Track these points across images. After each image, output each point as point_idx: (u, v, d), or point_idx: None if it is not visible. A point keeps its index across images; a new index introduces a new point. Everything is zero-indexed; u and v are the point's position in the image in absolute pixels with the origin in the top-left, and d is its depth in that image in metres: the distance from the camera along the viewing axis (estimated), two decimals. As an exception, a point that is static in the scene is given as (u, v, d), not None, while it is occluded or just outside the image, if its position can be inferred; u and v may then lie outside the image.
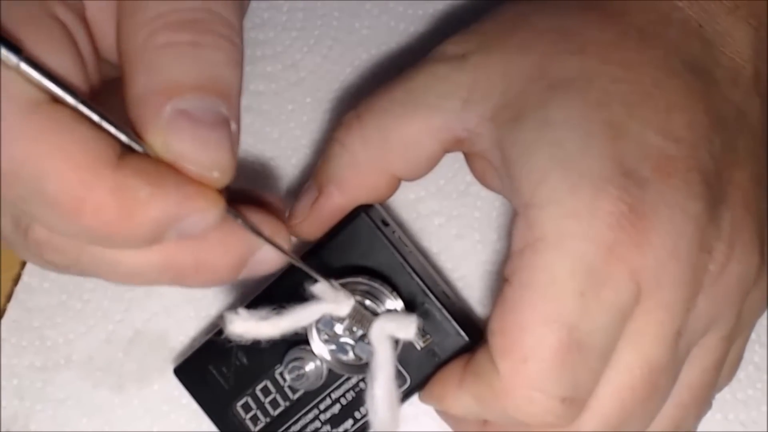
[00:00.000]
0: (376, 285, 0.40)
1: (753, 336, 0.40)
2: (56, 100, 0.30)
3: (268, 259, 0.35)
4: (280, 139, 0.48)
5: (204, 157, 0.31)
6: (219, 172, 0.31)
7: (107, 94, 0.32)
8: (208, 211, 0.31)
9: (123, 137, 0.30)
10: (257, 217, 0.35)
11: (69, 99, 0.29)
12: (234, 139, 0.32)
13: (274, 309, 0.38)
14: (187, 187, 0.30)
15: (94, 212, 0.29)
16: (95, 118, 0.30)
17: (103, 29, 0.33)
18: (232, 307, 0.41)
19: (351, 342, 0.40)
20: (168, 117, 0.30)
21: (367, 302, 0.40)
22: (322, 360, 0.41)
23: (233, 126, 0.31)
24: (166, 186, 0.30)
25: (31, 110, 0.29)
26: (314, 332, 0.40)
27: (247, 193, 0.36)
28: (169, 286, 0.34)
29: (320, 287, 0.38)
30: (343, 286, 0.39)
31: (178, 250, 0.32)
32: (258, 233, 0.34)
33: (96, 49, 0.33)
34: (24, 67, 0.29)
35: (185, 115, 0.30)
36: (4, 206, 0.32)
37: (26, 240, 0.32)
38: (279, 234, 0.35)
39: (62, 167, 0.29)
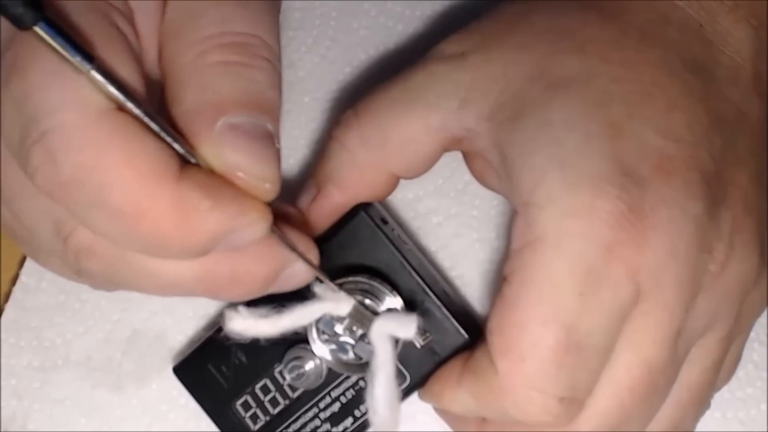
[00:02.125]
0: (376, 284, 0.40)
1: (752, 335, 0.40)
2: (122, 109, 0.30)
3: (298, 275, 0.36)
4: (279, 138, 0.48)
5: (257, 168, 0.32)
6: (270, 184, 0.32)
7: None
8: (258, 224, 0.32)
9: (180, 149, 0.31)
10: (291, 234, 0.36)
11: (135, 109, 0.30)
12: (279, 155, 0.33)
13: (274, 308, 0.38)
14: (242, 200, 0.31)
15: (155, 222, 0.30)
16: (156, 128, 0.30)
17: (147, 45, 0.34)
18: (232, 305, 0.41)
19: (351, 341, 0.40)
20: (221, 130, 0.31)
21: (367, 301, 0.40)
22: (321, 359, 0.41)
23: (277, 143, 0.33)
24: (224, 199, 0.31)
25: (101, 118, 0.29)
26: (314, 331, 0.40)
27: (279, 209, 0.37)
28: (203, 297, 0.35)
29: (320, 287, 0.38)
30: (343, 285, 0.39)
31: (218, 261, 0.33)
32: (293, 249, 0.35)
33: (143, 63, 0.34)
34: (94, 74, 0.29)
35: (237, 128, 0.32)
36: (50, 213, 0.33)
37: (66, 246, 0.33)
38: (311, 251, 0.37)
39: (127, 176, 0.30)
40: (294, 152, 0.48)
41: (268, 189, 0.32)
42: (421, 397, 0.41)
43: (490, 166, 0.38)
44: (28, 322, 0.48)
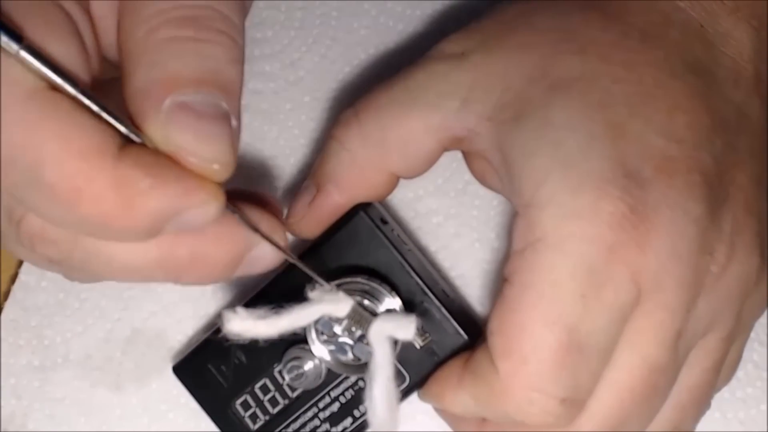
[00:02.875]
0: (375, 284, 0.40)
1: (752, 335, 0.40)
2: (56, 88, 0.29)
3: (264, 257, 0.35)
4: (279, 138, 0.48)
5: (204, 149, 0.31)
6: (219, 165, 0.31)
7: (107, 93, 0.32)
8: (208, 205, 0.31)
9: (123, 128, 0.30)
10: (254, 215, 0.35)
11: (69, 88, 0.29)
12: (234, 134, 0.31)
13: (273, 308, 0.38)
14: (187, 179, 0.30)
15: (93, 202, 0.29)
16: (95, 108, 0.30)
17: (105, 25, 0.33)
18: (231, 305, 0.41)
19: (350, 342, 0.40)
20: (168, 109, 0.30)
21: (366, 302, 0.39)
22: (320, 359, 0.41)
23: (233, 122, 0.31)
24: (167, 178, 0.30)
25: (30, 96, 0.29)
26: (313, 332, 0.40)
27: (244, 192, 0.36)
28: (163, 282, 0.34)
29: (319, 291, 0.38)
30: (342, 285, 0.39)
31: (174, 244, 0.32)
32: (255, 229, 0.34)
33: (99, 45, 0.33)
34: (24, 54, 0.29)
35: (186, 107, 0.30)
36: (2, 199, 0.32)
37: (19, 232, 0.32)
38: (276, 231, 0.35)
39: (61, 155, 0.29)
40: (294, 151, 0.48)
41: (217, 170, 0.31)
42: (420, 397, 0.41)
43: (490, 166, 0.38)
44: (28, 321, 0.48)
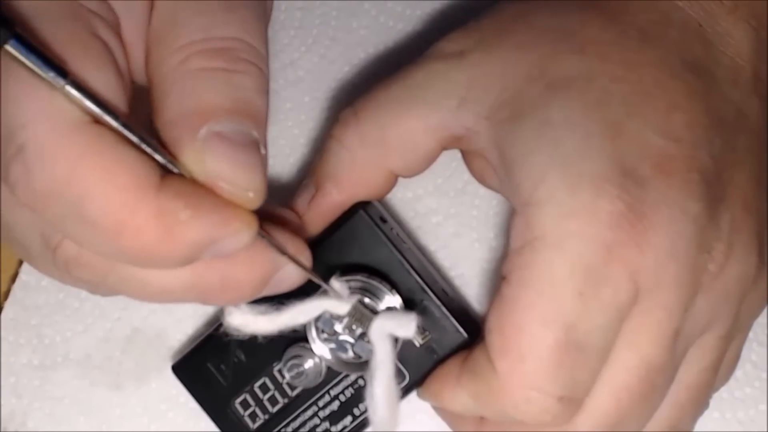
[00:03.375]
0: (375, 282, 0.40)
1: (751, 335, 0.41)
2: (98, 121, 0.30)
3: (290, 277, 0.36)
4: (278, 137, 0.48)
5: (240, 177, 0.31)
6: (254, 193, 0.32)
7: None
8: (242, 233, 0.32)
9: (161, 159, 0.31)
10: (282, 237, 0.36)
11: (112, 121, 0.30)
12: (264, 162, 0.32)
13: (274, 305, 0.38)
14: (224, 209, 0.31)
15: (135, 234, 0.30)
16: (135, 140, 0.30)
17: (134, 50, 0.34)
18: (230, 303, 0.41)
19: (351, 340, 0.40)
20: (204, 138, 0.31)
21: (366, 300, 0.40)
22: (321, 358, 0.41)
23: (263, 150, 0.32)
24: (205, 209, 0.31)
25: (76, 131, 0.29)
26: (313, 330, 0.40)
27: (268, 212, 0.37)
28: (193, 302, 0.34)
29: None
30: (341, 283, 0.39)
31: (207, 269, 0.33)
32: (283, 252, 0.35)
33: (130, 71, 0.34)
34: (69, 89, 0.29)
35: (221, 136, 0.31)
36: (36, 224, 0.32)
37: (54, 257, 0.33)
38: (302, 253, 0.36)
39: (106, 189, 0.29)
40: (293, 151, 0.48)
41: (252, 198, 0.32)
42: (419, 395, 0.41)
43: (489, 165, 0.38)
44: (28, 321, 0.49)
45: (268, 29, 0.44)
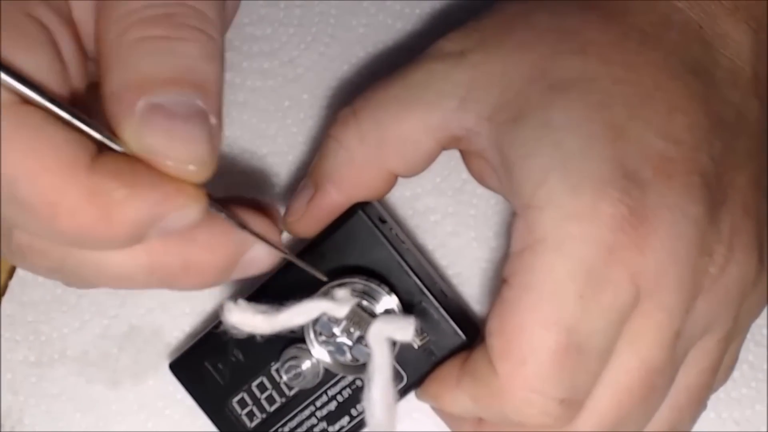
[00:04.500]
0: (373, 285, 0.40)
1: (748, 335, 0.40)
2: (28, 101, 0.29)
3: (259, 259, 0.35)
4: (277, 135, 0.48)
5: (178, 150, 0.30)
6: (195, 166, 0.30)
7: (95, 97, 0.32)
8: (189, 208, 0.30)
9: (97, 135, 0.30)
10: (245, 215, 0.34)
11: (38, 98, 0.29)
12: (214, 133, 0.31)
13: (274, 305, 0.38)
14: (165, 185, 0.30)
15: (70, 216, 0.29)
16: (66, 116, 0.29)
17: (89, 30, 0.32)
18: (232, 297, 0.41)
19: (349, 343, 0.40)
20: (141, 112, 0.29)
21: (364, 303, 0.39)
22: (318, 360, 0.41)
23: (213, 120, 0.31)
24: (143, 186, 0.29)
25: (2, 112, 0.28)
26: (311, 333, 0.40)
27: (240, 199, 0.36)
28: (159, 288, 0.33)
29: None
30: (340, 286, 0.39)
31: (165, 250, 0.32)
32: (244, 227, 0.34)
33: (83, 51, 0.33)
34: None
35: (159, 109, 0.30)
36: None
37: (10, 244, 0.32)
38: (269, 231, 0.35)
39: (34, 171, 0.28)
40: (292, 149, 0.48)
41: (193, 171, 0.30)
42: (418, 397, 0.41)
43: (489, 166, 0.38)
44: (25, 317, 0.48)
45: (269, 26, 0.44)
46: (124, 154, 0.30)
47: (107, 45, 0.31)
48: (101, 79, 0.31)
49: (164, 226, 0.30)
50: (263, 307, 0.38)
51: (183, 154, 0.30)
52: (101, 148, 0.30)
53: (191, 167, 0.30)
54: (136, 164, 0.30)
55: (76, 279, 0.33)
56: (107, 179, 0.29)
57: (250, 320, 0.38)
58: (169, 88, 0.30)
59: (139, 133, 0.29)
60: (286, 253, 0.36)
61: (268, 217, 0.36)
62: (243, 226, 0.34)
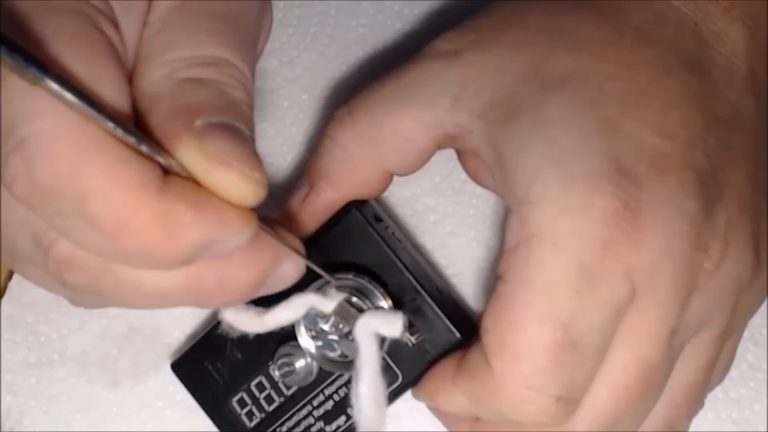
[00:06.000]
0: (364, 281, 0.40)
1: (746, 335, 0.40)
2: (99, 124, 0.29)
3: (287, 275, 0.35)
4: (276, 135, 0.48)
5: (244, 156, 0.30)
6: (259, 174, 0.30)
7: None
8: (242, 232, 0.31)
9: (162, 159, 0.30)
10: (280, 232, 0.35)
11: (108, 122, 0.29)
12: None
13: (264, 304, 0.38)
14: (225, 209, 0.30)
15: (137, 234, 0.29)
16: (133, 140, 0.29)
17: (129, 51, 0.33)
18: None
19: (337, 338, 0.40)
20: (200, 127, 0.30)
21: (354, 299, 0.39)
22: (311, 357, 0.41)
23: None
24: (207, 210, 0.30)
25: (80, 127, 0.28)
26: (302, 329, 0.40)
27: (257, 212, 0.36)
28: (189, 306, 0.34)
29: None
30: (329, 282, 0.39)
31: (203, 269, 0.32)
32: (288, 245, 0.34)
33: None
34: (65, 95, 0.27)
35: (217, 126, 0.30)
36: (29, 223, 0.32)
37: (47, 258, 0.32)
38: (299, 248, 0.36)
39: (109, 187, 0.28)
40: (291, 149, 0.48)
41: (257, 179, 0.30)
42: (415, 395, 0.41)
43: (483, 164, 0.38)
44: (24, 318, 0.49)
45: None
46: (185, 179, 0.30)
47: (155, 81, 0.32)
48: (144, 111, 0.31)
49: (216, 249, 0.31)
50: (256, 306, 0.38)
51: (248, 160, 0.30)
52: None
53: (256, 174, 0.30)
54: (199, 189, 0.30)
55: (100, 296, 0.33)
56: (176, 201, 0.29)
57: (243, 319, 0.38)
58: (221, 114, 0.31)
59: (203, 144, 0.30)
60: (316, 268, 0.37)
61: (285, 227, 0.36)
62: (284, 242, 0.34)
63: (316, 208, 0.40)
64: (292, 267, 0.35)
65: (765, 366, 0.46)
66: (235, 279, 0.33)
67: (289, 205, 0.41)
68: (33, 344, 0.49)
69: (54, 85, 0.27)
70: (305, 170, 0.41)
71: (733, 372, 0.41)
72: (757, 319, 0.45)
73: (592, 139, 0.34)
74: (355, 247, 0.40)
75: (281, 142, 0.48)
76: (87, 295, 0.34)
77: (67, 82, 0.27)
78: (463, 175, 0.42)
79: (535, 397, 0.35)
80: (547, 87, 0.36)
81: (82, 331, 0.48)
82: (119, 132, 0.29)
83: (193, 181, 0.30)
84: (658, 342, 0.35)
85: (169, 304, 0.33)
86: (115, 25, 0.32)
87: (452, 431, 0.41)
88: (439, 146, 0.39)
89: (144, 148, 0.29)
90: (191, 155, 0.30)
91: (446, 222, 0.47)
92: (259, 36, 0.37)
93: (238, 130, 0.31)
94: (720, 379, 0.40)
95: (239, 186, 0.30)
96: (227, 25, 0.34)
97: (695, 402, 0.39)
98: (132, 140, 0.29)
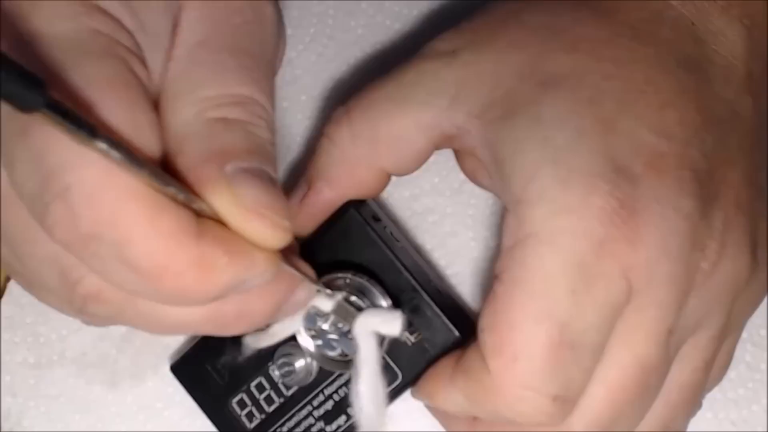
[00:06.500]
0: (363, 281, 0.40)
1: (745, 335, 0.40)
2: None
3: (299, 301, 0.36)
4: (275, 136, 0.48)
5: (274, 204, 0.32)
6: (288, 221, 0.32)
7: None
8: (268, 272, 0.32)
9: (196, 205, 0.31)
10: (293, 260, 0.36)
11: (150, 177, 0.29)
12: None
13: None
14: (254, 251, 0.31)
15: (174, 278, 0.30)
16: (172, 191, 0.30)
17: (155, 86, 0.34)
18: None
19: (336, 338, 0.40)
20: (232, 173, 0.31)
21: (353, 298, 0.39)
22: (311, 356, 0.41)
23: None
24: (239, 253, 0.31)
25: (119, 175, 0.29)
26: (301, 329, 0.40)
27: None
28: (207, 334, 0.35)
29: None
30: (330, 281, 0.40)
31: (225, 302, 0.33)
32: (306, 275, 0.36)
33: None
34: (103, 146, 0.28)
35: (248, 171, 0.32)
36: (58, 260, 0.32)
37: (73, 293, 0.33)
38: (311, 275, 0.37)
39: (148, 234, 0.29)
40: (290, 150, 0.48)
41: (287, 226, 0.32)
42: (413, 395, 0.41)
43: (481, 163, 0.38)
44: (23, 319, 0.49)
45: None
46: (218, 223, 0.31)
47: (184, 121, 0.32)
48: (174, 151, 0.32)
49: (242, 288, 0.32)
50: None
51: (280, 207, 0.32)
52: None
53: (285, 222, 0.32)
54: (230, 232, 0.31)
55: (120, 323, 0.34)
56: (213, 246, 0.30)
57: (256, 337, 0.40)
58: (250, 158, 0.32)
59: (235, 190, 0.31)
60: (329, 294, 0.39)
61: (294, 252, 0.37)
62: (304, 273, 0.36)
63: (314, 208, 0.40)
64: (304, 292, 0.36)
65: (763, 366, 0.46)
66: (253, 309, 0.34)
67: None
68: (32, 345, 0.49)
69: (102, 145, 0.28)
70: (304, 170, 0.41)
71: (732, 372, 0.41)
72: (756, 320, 0.45)
73: (588, 138, 0.34)
74: (354, 247, 0.40)
75: (280, 142, 0.48)
76: (105, 320, 0.35)
77: (115, 142, 0.28)
78: (462, 176, 0.42)
79: (532, 397, 0.35)
80: (544, 86, 0.36)
81: (81, 332, 0.48)
82: (159, 183, 0.30)
83: (223, 224, 0.31)
84: (655, 341, 0.35)
85: (188, 332, 0.35)
86: (144, 63, 0.32)
87: (450, 431, 0.41)
88: (437, 146, 0.39)
89: (180, 196, 0.30)
90: (224, 202, 0.31)
91: (445, 222, 0.47)
92: (276, 63, 0.38)
93: (266, 175, 0.32)
94: (718, 379, 0.40)
95: (269, 234, 0.32)
96: (250, 60, 0.35)
97: (692, 402, 0.39)
98: (171, 190, 0.30)
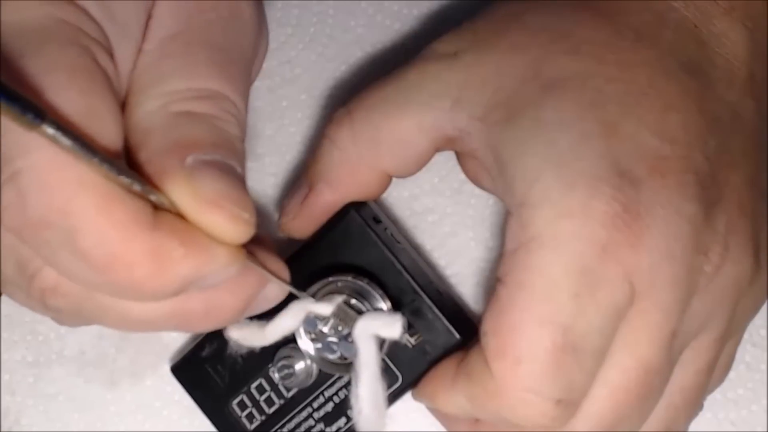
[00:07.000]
0: (363, 283, 0.40)
1: (745, 336, 0.40)
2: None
3: (270, 297, 0.35)
4: (275, 135, 0.48)
5: (236, 195, 0.31)
6: (249, 215, 0.31)
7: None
8: (230, 267, 0.31)
9: (154, 196, 0.30)
10: (263, 255, 0.35)
11: (103, 166, 0.29)
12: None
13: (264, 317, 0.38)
14: (214, 245, 0.30)
15: (126, 269, 0.29)
16: (126, 181, 0.29)
17: (123, 81, 0.33)
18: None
19: (337, 341, 0.40)
20: (192, 165, 0.30)
21: (353, 301, 0.39)
22: (311, 359, 0.41)
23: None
24: (197, 245, 0.30)
25: (74, 162, 0.28)
26: (302, 332, 0.40)
27: None
28: (174, 331, 0.34)
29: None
30: (330, 284, 0.40)
31: (188, 298, 0.32)
32: (271, 272, 0.35)
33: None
34: (61, 139, 0.27)
35: (209, 163, 0.31)
36: (13, 251, 0.32)
37: (31, 285, 0.32)
38: (281, 270, 0.36)
39: (101, 222, 0.29)
40: (290, 149, 0.48)
41: (247, 219, 0.31)
42: (414, 396, 0.41)
43: (482, 166, 0.38)
44: (22, 317, 0.48)
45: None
46: (176, 215, 0.30)
47: (148, 114, 0.32)
48: (135, 144, 0.31)
49: (204, 282, 0.31)
50: (258, 320, 0.38)
51: (239, 200, 0.31)
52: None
53: (246, 215, 0.31)
54: (187, 223, 0.30)
55: (84, 321, 0.34)
56: (168, 238, 0.30)
57: (247, 335, 0.39)
58: (213, 150, 0.31)
59: (194, 183, 0.30)
60: (296, 291, 0.37)
61: (270, 250, 0.36)
62: (269, 270, 0.34)
63: (314, 209, 0.40)
64: (276, 289, 0.35)
65: (763, 367, 0.46)
66: (221, 306, 0.33)
67: (287, 206, 0.41)
68: (31, 343, 0.48)
69: (50, 130, 0.27)
70: (304, 171, 0.41)
71: (732, 373, 0.41)
72: (756, 320, 0.44)
73: (591, 141, 0.34)
74: (354, 249, 0.40)
75: (280, 141, 0.48)
76: (70, 317, 0.34)
77: (63, 128, 0.27)
78: (462, 176, 0.42)
79: (534, 400, 0.35)
80: (547, 89, 0.36)
81: (80, 331, 0.48)
82: (113, 172, 0.29)
83: (182, 216, 0.30)
84: (658, 344, 0.35)
85: (154, 329, 0.33)
86: (110, 54, 0.31)
87: (451, 432, 0.42)
88: (438, 148, 0.39)
89: (136, 187, 0.29)
90: (182, 194, 0.30)
91: (445, 222, 0.47)
92: (254, 64, 0.37)
93: (229, 167, 0.31)
94: (719, 381, 0.40)
95: (228, 227, 0.30)
96: (223, 56, 0.34)
97: (694, 405, 0.39)
98: (125, 180, 0.29)
